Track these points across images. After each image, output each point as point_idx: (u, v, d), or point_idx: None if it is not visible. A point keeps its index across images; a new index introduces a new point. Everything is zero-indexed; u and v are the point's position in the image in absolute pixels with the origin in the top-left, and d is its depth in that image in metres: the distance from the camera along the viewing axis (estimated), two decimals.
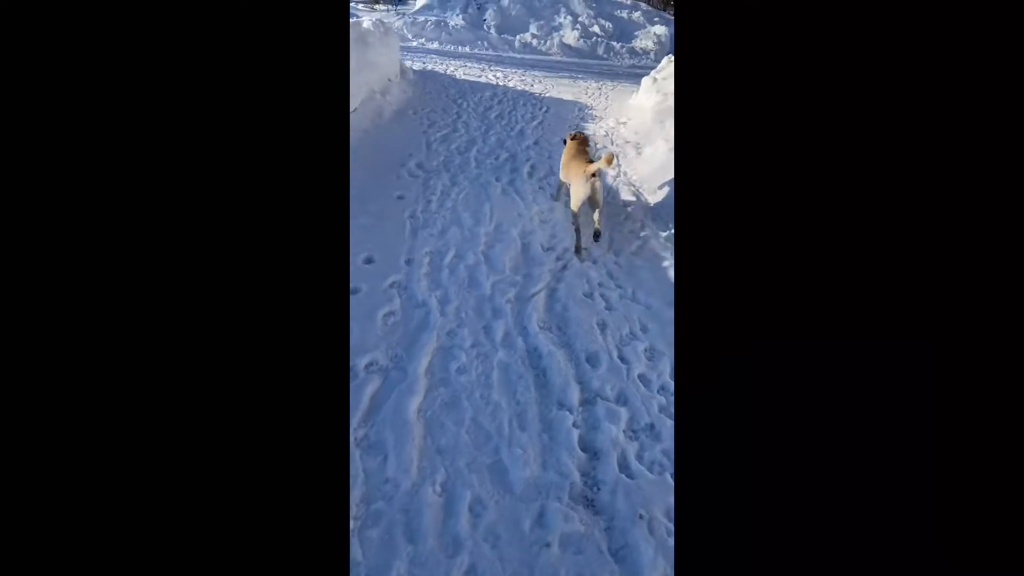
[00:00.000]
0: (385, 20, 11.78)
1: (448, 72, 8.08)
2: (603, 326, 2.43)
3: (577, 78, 8.80)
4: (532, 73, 8.82)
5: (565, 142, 3.50)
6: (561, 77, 8.71)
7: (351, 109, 4.91)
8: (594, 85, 8.28)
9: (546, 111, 6.25)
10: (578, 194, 2.99)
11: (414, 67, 8.13)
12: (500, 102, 6.47)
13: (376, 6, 14.42)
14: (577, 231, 3.02)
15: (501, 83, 7.68)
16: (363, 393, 1.91)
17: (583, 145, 3.39)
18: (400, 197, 3.54)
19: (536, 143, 5.01)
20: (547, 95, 7.14)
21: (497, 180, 4.01)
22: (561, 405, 1.96)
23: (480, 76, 8.06)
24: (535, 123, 5.68)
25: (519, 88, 7.47)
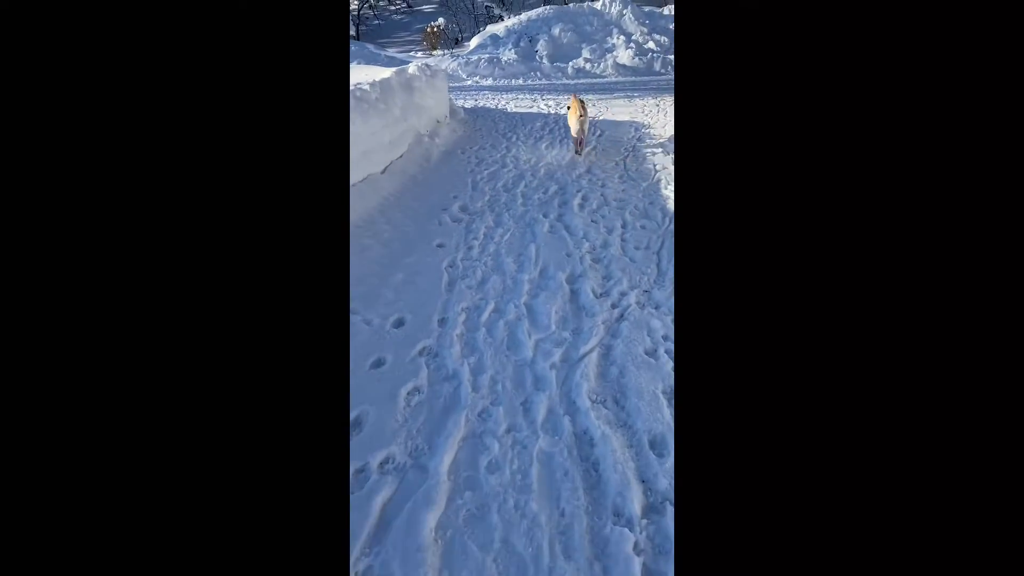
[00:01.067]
0: (433, 63, 11.97)
1: (500, 107, 7.87)
2: (671, 396, 1.92)
3: (633, 97, 8.29)
4: (586, 97, 8.43)
5: (568, 107, 5.28)
6: (616, 98, 8.24)
7: (398, 155, 4.74)
8: (651, 102, 7.74)
9: (600, 135, 5.80)
10: (573, 125, 4.98)
11: (465, 105, 8.01)
12: (551, 131, 6.12)
13: (433, 52, 14.74)
14: (578, 144, 5.06)
15: (553, 111, 7.33)
16: (372, 503, 1.53)
17: (581, 105, 4.92)
18: (440, 246, 3.22)
19: (588, 171, 4.57)
20: (601, 118, 6.69)
21: (544, 216, 3.61)
22: (618, 516, 1.48)
23: (532, 107, 7.78)
24: (588, 149, 5.25)
25: None
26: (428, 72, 5.82)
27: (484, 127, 6.41)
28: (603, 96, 8.56)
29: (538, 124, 6.48)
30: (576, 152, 5.06)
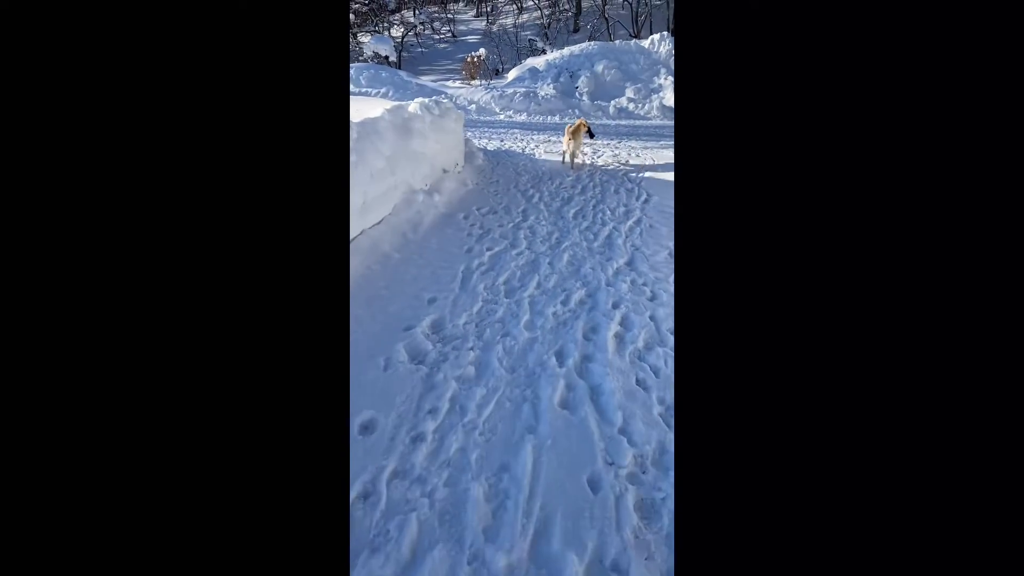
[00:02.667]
0: (464, 94, 10.83)
1: (528, 150, 6.51)
2: None
3: None
4: (628, 144, 7.00)
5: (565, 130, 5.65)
6: (663, 147, 6.79)
7: (375, 221, 3.39)
8: None
9: (645, 201, 4.34)
10: (567, 146, 5.55)
11: (488, 146, 6.68)
12: (584, 190, 4.70)
13: (472, 82, 13.66)
14: (570, 159, 5.57)
15: (588, 160, 5.93)
16: None
17: (583, 126, 5.55)
18: (365, 428, 1.76)
19: (630, 264, 3.10)
20: (645, 175, 5.24)
21: (558, 360, 2.13)
22: None
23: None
24: (630, 223, 3.80)
25: (611, 166, 5.66)
26: (436, 110, 4.51)
27: (503, 178, 5.04)
28: (647, 143, 7.11)
29: (569, 180, 5.07)
30: (570, 165, 5.59)
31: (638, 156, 6.23)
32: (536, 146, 6.81)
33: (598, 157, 6.11)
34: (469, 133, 7.93)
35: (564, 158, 5.74)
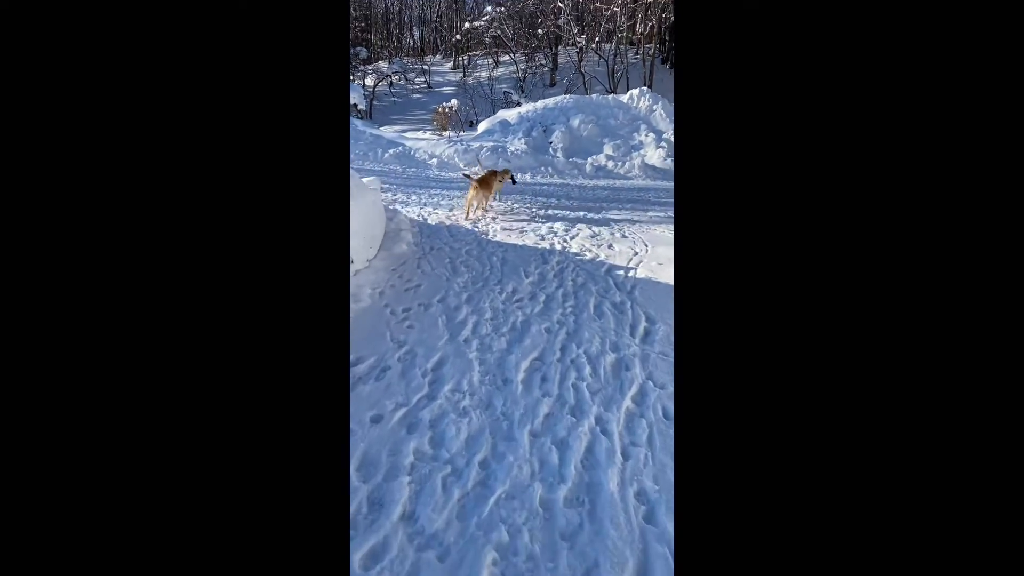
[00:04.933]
0: (418, 148, 9.13)
1: (480, 228, 4.76)
2: None
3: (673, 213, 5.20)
4: (609, 214, 5.33)
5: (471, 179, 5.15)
6: (654, 219, 5.12)
7: None
8: None
9: (645, 334, 2.56)
10: (470, 200, 4.99)
11: (432, 218, 4.92)
12: (549, 299, 2.91)
13: (444, 133, 12.12)
14: (471, 213, 4.99)
15: (560, 242, 4.18)
16: None
17: (496, 177, 5.18)
18: None
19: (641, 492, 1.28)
20: (639, 274, 3.51)
21: None
22: None
23: (527, 227, 4.66)
24: (626, 401, 1.97)
25: (588, 253, 3.92)
26: None
27: (428, 282, 3.22)
28: (633, 212, 5.44)
29: (532, 276, 3.30)
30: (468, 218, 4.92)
31: (623, 233, 4.52)
32: (493, 218, 5.07)
33: (571, 238, 4.37)
34: (421, 194, 6.18)
35: (467, 213, 5.01)
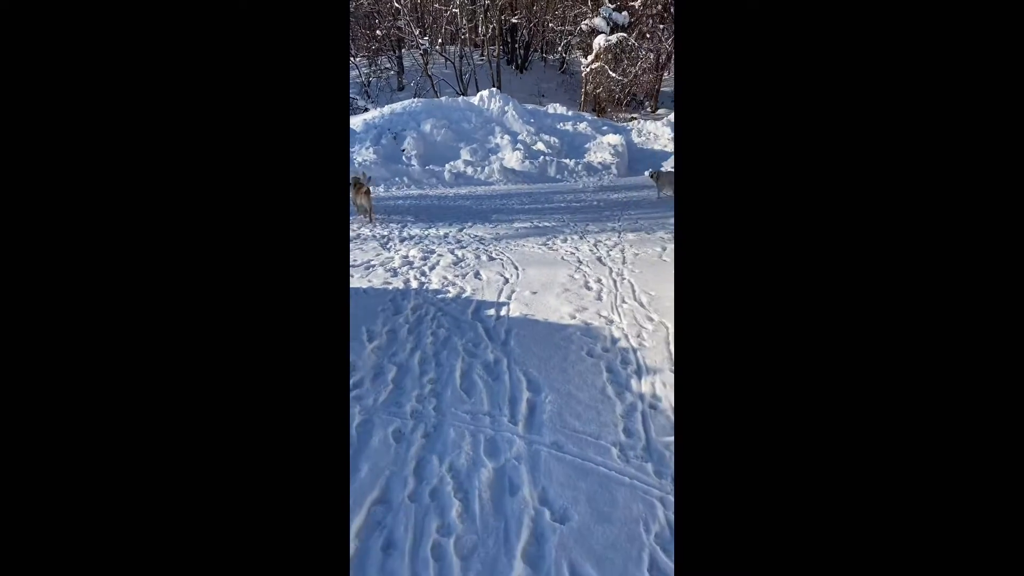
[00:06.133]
0: None
1: None
2: None
3: (543, 224, 4.69)
4: (472, 230, 4.65)
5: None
6: (521, 232, 4.57)
7: None
8: (587, 248, 4.12)
9: (529, 395, 1.90)
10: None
11: None
12: (401, 374, 2.06)
13: None
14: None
15: (416, 276, 3.36)
16: None
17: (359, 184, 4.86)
18: None
19: None
20: (509, 297, 2.86)
21: None
22: None
23: (375, 260, 3.75)
24: (512, 515, 1.28)
25: (452, 289, 3.16)
26: None
27: None
28: (496, 225, 4.83)
29: (380, 335, 2.43)
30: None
31: (492, 258, 3.85)
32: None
33: (431, 268, 3.57)
34: None
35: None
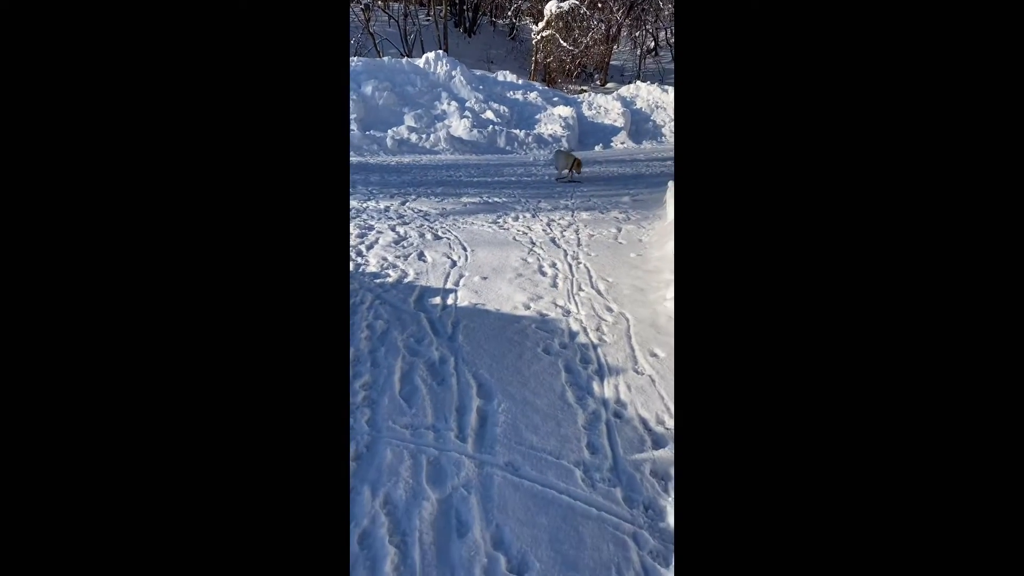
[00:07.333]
0: None
1: None
2: None
3: (493, 199, 4.35)
4: (416, 205, 4.23)
5: None
6: (470, 208, 4.21)
7: None
8: (540, 227, 3.83)
9: (479, 402, 1.62)
10: None
11: None
12: None
13: None
14: None
15: (354, 257, 2.96)
16: None
17: None
18: None
19: None
20: (457, 282, 2.55)
21: None
22: None
23: None
24: (459, 565, 1.04)
25: (392, 272, 2.78)
26: None
27: None
28: (442, 199, 4.44)
29: None
30: None
31: (438, 236, 3.48)
32: None
33: (368, 247, 3.15)
34: None
35: None
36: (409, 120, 7.93)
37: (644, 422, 1.66)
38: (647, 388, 1.84)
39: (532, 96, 9.48)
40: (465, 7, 15.52)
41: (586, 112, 9.72)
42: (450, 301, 2.47)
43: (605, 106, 9.80)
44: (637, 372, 1.94)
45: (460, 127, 8.01)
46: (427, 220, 3.84)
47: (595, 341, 2.14)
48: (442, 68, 9.10)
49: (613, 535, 1.24)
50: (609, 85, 13.46)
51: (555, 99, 9.80)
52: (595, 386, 1.84)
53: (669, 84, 10.58)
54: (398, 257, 3.04)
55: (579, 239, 3.50)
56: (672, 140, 8.61)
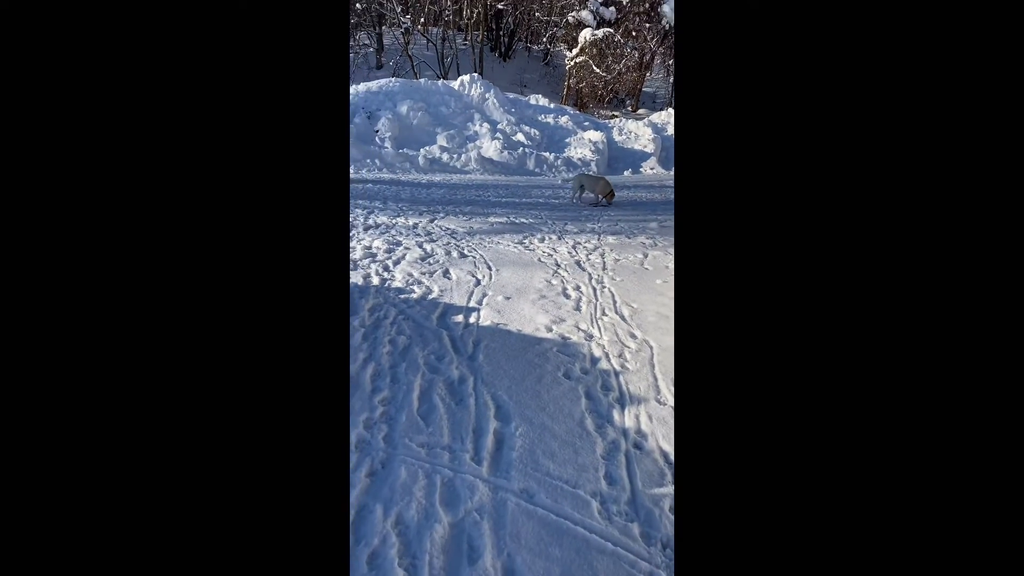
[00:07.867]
0: None
1: None
2: None
3: (520, 220, 4.38)
4: (444, 223, 4.30)
5: None
6: (497, 228, 4.25)
7: None
8: (566, 250, 3.84)
9: (497, 424, 1.60)
10: None
11: None
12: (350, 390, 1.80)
13: None
14: None
15: (379, 271, 3.00)
16: None
17: None
18: None
19: None
20: (480, 301, 2.55)
21: None
22: None
23: None
24: None
25: (417, 289, 2.80)
26: None
27: None
28: (470, 217, 4.49)
29: None
30: None
31: (464, 255, 3.51)
32: None
33: (395, 263, 3.20)
34: None
35: None
36: (442, 140, 8.12)
37: (665, 455, 1.60)
38: (669, 419, 1.78)
39: (563, 120, 9.59)
40: (501, 32, 15.96)
41: (616, 137, 9.76)
42: (472, 320, 2.48)
43: (636, 132, 9.82)
44: (659, 402, 1.89)
45: (491, 148, 8.15)
46: (454, 238, 3.88)
47: (617, 368, 2.10)
48: (476, 90, 9.33)
49: (629, 573, 1.18)
50: (640, 111, 13.52)
51: (586, 123, 9.88)
52: (615, 414, 1.80)
53: None
54: (423, 273, 3.07)
55: (604, 263, 3.48)
56: None
